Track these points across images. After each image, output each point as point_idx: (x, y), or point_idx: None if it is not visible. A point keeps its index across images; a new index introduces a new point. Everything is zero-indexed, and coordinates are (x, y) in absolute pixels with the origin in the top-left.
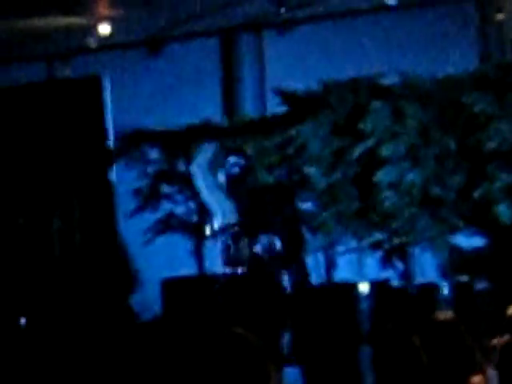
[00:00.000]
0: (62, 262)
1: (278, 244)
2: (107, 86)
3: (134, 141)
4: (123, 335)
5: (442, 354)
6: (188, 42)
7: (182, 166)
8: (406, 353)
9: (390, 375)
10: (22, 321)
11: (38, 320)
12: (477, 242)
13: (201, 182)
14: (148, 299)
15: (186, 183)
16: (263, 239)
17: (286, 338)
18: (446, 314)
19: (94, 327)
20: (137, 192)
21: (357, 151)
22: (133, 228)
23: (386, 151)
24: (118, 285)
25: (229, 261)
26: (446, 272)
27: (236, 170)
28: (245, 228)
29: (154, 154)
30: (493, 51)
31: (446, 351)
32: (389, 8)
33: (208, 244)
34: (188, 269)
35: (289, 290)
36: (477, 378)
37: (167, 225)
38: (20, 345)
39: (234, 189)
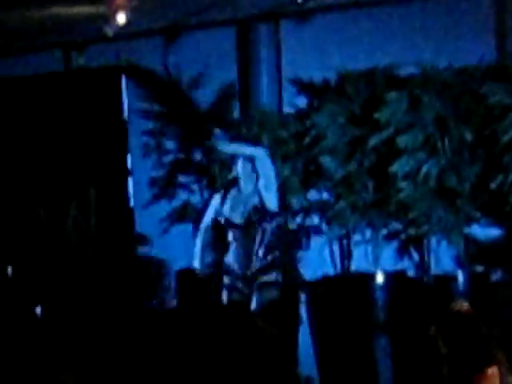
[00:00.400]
0: (78, 250)
1: None
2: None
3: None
4: (138, 323)
5: (457, 345)
6: (205, 32)
7: (198, 156)
8: (425, 343)
9: (407, 365)
10: (38, 309)
11: (54, 309)
12: (493, 232)
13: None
14: (163, 289)
15: (202, 173)
16: None
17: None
18: (462, 305)
19: (109, 316)
20: (153, 182)
21: (373, 141)
22: (148, 218)
23: (402, 142)
24: (134, 275)
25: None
26: (461, 263)
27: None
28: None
29: (170, 143)
30: (509, 39)
31: (462, 342)
32: None
33: None
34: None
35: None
36: (492, 370)
37: (183, 214)
38: (36, 333)
39: None
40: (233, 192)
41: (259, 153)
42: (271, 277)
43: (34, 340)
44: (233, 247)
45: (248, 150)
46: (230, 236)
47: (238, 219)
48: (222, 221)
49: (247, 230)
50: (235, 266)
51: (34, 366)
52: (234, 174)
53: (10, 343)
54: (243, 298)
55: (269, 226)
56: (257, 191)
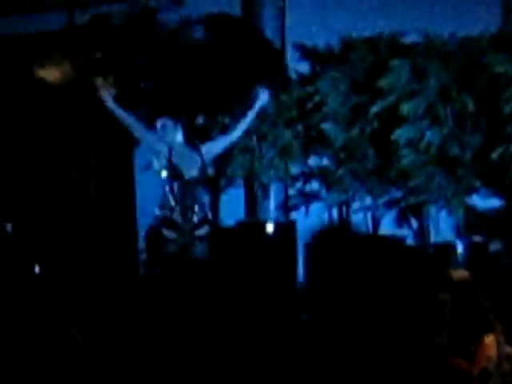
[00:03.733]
0: (78, 212)
1: None
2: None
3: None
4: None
5: (456, 313)
6: None
7: (200, 120)
8: (432, 308)
9: (404, 331)
10: (37, 269)
11: (52, 269)
12: (493, 202)
13: None
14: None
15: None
16: None
17: (301, 292)
18: (461, 273)
19: (106, 277)
20: None
21: (375, 108)
22: (149, 181)
23: (404, 109)
24: (131, 237)
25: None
26: (461, 232)
27: None
28: None
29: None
30: None
31: (461, 310)
32: None
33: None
34: None
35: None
36: (489, 338)
37: None
38: (34, 292)
39: None
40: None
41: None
42: (203, 230)
43: (38, 296)
44: (178, 201)
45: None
46: (176, 189)
47: (186, 174)
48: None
49: (190, 185)
50: (179, 220)
51: (40, 322)
52: None
53: (12, 299)
54: (181, 250)
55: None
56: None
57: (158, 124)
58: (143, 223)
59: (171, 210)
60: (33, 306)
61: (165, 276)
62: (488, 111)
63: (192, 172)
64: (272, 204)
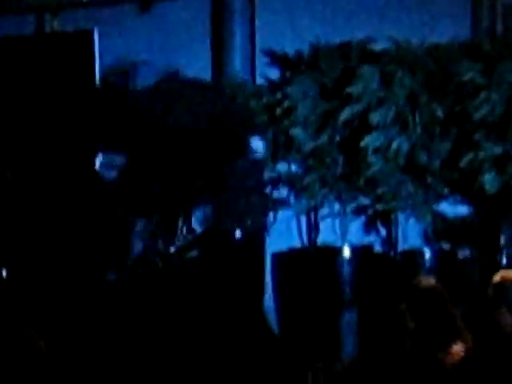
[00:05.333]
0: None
1: None
2: (97, 40)
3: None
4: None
5: (424, 320)
6: (178, 0)
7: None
8: (393, 318)
9: (374, 340)
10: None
11: (20, 269)
12: (461, 210)
13: None
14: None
15: None
16: None
17: (269, 303)
18: (429, 280)
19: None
20: None
21: (344, 115)
22: None
23: (373, 116)
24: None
25: None
26: (429, 239)
27: None
28: None
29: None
30: (484, 18)
31: (428, 317)
32: None
33: None
34: None
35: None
36: (457, 346)
37: None
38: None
39: None
40: None
41: None
42: (192, 254)
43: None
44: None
45: None
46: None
47: None
48: None
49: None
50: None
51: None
52: None
53: None
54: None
55: None
56: None
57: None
58: None
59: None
60: None
61: (130, 282)
62: (457, 119)
63: None
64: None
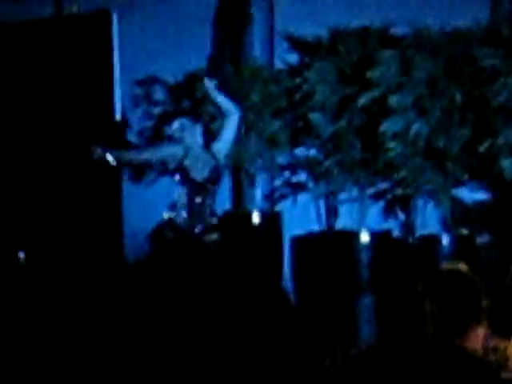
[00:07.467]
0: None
1: None
2: (116, 23)
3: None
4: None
5: (446, 304)
6: None
7: (187, 106)
8: (410, 301)
9: (392, 325)
10: (21, 255)
11: (38, 254)
12: (480, 195)
13: None
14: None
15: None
16: None
17: (287, 287)
18: (457, 265)
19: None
20: (140, 133)
21: (363, 100)
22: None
23: (392, 101)
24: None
25: None
26: (447, 225)
27: None
28: None
29: (159, 94)
30: (504, 3)
31: (452, 301)
32: None
33: None
34: None
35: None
36: (481, 330)
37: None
38: (19, 279)
39: None
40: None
41: (234, 111)
42: (212, 237)
43: (16, 285)
44: (188, 204)
45: (226, 104)
46: (187, 192)
47: (197, 175)
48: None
49: (201, 188)
50: (186, 223)
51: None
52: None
53: None
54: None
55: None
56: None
57: (175, 125)
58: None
59: (178, 212)
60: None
61: (150, 266)
62: (476, 104)
63: (204, 173)
64: (258, 194)
